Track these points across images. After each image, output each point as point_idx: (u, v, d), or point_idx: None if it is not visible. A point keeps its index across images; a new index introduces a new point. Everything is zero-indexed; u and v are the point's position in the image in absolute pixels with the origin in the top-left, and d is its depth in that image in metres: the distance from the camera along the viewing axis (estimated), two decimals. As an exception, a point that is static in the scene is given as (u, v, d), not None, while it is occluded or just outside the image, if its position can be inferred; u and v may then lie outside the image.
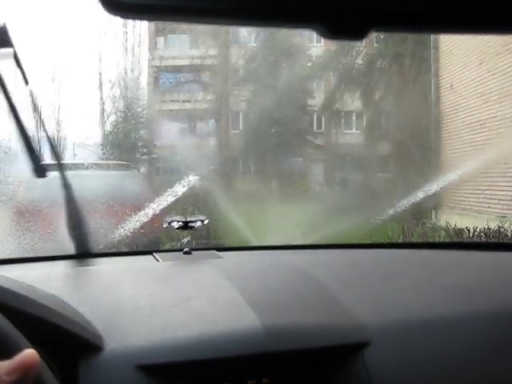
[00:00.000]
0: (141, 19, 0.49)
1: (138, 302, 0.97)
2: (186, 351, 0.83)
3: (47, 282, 0.93)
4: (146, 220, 2.21)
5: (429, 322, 0.96)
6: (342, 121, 25.12)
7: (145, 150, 22.72)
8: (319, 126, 27.59)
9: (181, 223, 1.30)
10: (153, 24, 29.11)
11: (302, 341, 0.89)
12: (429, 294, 1.06)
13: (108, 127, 23.21)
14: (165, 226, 1.31)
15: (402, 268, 1.27)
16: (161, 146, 24.31)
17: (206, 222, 1.31)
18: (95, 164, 11.49)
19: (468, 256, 1.40)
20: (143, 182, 7.16)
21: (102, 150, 22.52)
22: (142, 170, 20.12)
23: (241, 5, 0.46)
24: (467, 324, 0.97)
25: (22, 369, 0.51)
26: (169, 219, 1.31)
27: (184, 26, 28.35)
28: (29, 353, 0.52)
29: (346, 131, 25.62)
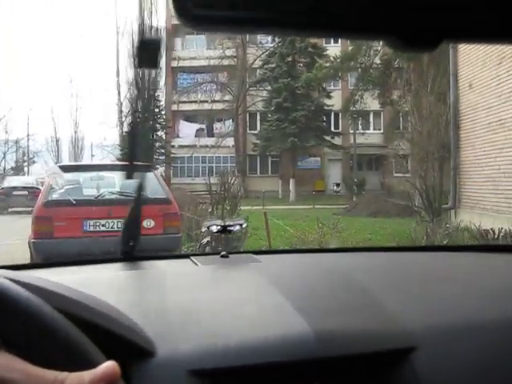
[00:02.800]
0: (216, 31, 0.50)
1: (184, 306, 0.98)
2: (238, 356, 0.84)
3: (89, 286, 0.93)
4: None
5: (476, 326, 0.95)
6: (360, 121, 25.09)
7: (162, 151, 22.87)
8: (337, 126, 27.57)
9: (219, 227, 1.31)
10: (170, 24, 29.16)
11: (352, 346, 0.89)
12: (473, 298, 1.06)
13: (125, 128, 23.30)
14: (203, 230, 1.31)
15: (441, 271, 1.27)
16: (178, 147, 24.34)
17: (244, 225, 1.32)
18: (115, 165, 11.48)
19: (505, 259, 1.40)
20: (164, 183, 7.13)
21: (120, 150, 22.58)
22: (160, 170, 20.18)
23: (322, 19, 0.47)
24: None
25: (106, 380, 0.50)
26: (208, 223, 1.32)
27: (201, 26, 28.33)
28: (112, 364, 0.51)
29: (364, 131, 25.58)
